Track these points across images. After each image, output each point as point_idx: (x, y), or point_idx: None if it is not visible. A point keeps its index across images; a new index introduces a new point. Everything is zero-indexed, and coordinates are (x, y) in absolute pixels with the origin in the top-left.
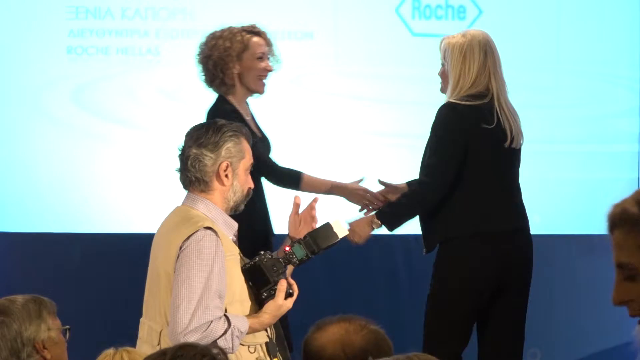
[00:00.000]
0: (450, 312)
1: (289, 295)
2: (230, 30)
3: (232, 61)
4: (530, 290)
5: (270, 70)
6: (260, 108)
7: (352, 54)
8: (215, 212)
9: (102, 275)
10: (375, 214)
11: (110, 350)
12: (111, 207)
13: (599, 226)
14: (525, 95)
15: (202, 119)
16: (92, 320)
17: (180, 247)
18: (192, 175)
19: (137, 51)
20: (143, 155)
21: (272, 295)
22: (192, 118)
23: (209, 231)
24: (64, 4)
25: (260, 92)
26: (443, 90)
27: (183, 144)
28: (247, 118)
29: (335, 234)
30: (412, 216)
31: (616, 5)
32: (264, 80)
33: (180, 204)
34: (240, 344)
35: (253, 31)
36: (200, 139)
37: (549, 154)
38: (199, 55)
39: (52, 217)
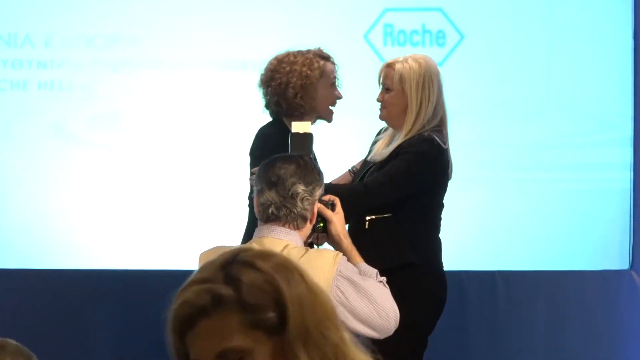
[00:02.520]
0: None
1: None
2: (303, 55)
3: (313, 89)
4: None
5: (340, 98)
6: None
7: None
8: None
9: (68, 314)
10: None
11: None
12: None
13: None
14: (510, 126)
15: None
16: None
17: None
18: (299, 212)
19: (67, 85)
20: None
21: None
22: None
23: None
24: None
25: (329, 120)
26: (386, 117)
27: (279, 175)
28: None
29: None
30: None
31: (607, 32)
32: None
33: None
34: None
35: (324, 56)
36: (306, 176)
37: (533, 186)
38: (269, 81)
39: None
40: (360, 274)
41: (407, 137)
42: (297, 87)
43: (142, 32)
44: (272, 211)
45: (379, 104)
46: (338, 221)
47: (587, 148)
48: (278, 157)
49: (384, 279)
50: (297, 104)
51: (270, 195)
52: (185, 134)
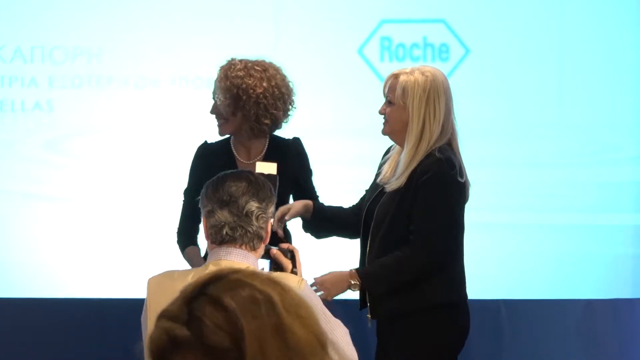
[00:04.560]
0: None
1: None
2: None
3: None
4: None
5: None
6: None
7: (308, 106)
8: None
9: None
10: (357, 272)
11: None
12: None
13: None
14: (519, 147)
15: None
16: None
17: None
18: (255, 231)
19: (19, 106)
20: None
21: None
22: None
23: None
24: None
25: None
26: (388, 133)
27: (231, 193)
28: None
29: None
30: (398, 282)
31: (620, 44)
32: None
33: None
34: None
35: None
36: (259, 192)
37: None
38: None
39: None
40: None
41: (415, 159)
42: (283, 96)
43: (104, 46)
44: (226, 232)
45: (382, 117)
46: (298, 271)
47: (596, 171)
48: (226, 175)
49: (338, 321)
50: (280, 117)
51: (223, 216)
52: (153, 155)
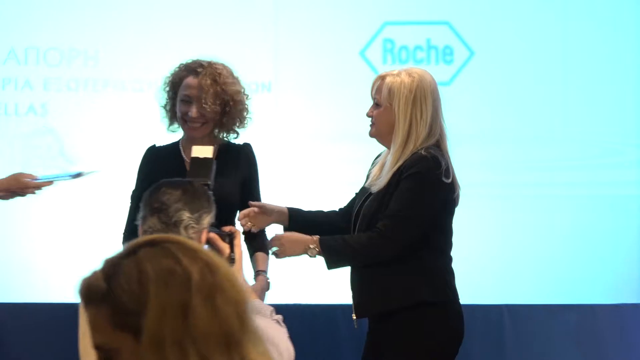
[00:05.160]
0: None
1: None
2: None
3: None
4: None
5: (185, 114)
6: None
7: (309, 109)
8: None
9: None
10: (319, 240)
11: None
12: None
13: None
14: (522, 151)
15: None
16: None
17: None
18: None
19: (12, 109)
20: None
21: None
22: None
23: None
24: None
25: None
26: (375, 135)
27: (163, 201)
28: None
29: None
30: (354, 262)
31: (623, 46)
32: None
33: None
34: None
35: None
36: (193, 202)
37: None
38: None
39: None
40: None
41: (401, 159)
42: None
43: (101, 48)
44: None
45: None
46: (237, 254)
47: (601, 176)
48: (165, 182)
49: (279, 317)
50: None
51: (153, 222)
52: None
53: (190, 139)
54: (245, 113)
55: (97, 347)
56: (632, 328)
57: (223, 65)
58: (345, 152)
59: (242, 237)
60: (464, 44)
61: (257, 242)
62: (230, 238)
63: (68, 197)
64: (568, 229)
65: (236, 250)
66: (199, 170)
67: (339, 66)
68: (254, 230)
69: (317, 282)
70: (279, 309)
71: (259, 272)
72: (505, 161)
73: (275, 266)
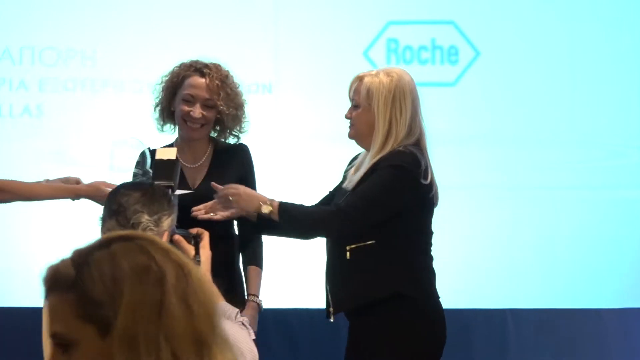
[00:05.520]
0: None
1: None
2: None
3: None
4: None
5: (188, 114)
6: None
7: (312, 109)
8: None
9: None
10: (280, 202)
11: None
12: None
13: None
14: (527, 154)
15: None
16: None
17: None
18: None
19: (6, 111)
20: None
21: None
22: None
23: None
24: None
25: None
26: (354, 136)
27: (121, 202)
28: None
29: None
30: (304, 232)
31: (634, 46)
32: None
33: None
34: None
35: (193, 66)
36: (152, 205)
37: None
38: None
39: None
40: None
41: (379, 156)
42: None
43: (99, 47)
44: None
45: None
46: (203, 256)
47: (607, 178)
48: (125, 184)
49: (244, 319)
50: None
51: (111, 225)
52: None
53: (186, 140)
54: (244, 118)
55: (54, 336)
56: (637, 332)
57: (226, 69)
58: (346, 153)
59: (238, 245)
60: (469, 44)
61: (250, 253)
62: (195, 240)
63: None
64: (573, 231)
65: (203, 252)
66: (162, 172)
67: (342, 66)
68: (215, 218)
69: (316, 286)
70: (278, 313)
71: (251, 297)
72: (509, 163)
73: (274, 270)
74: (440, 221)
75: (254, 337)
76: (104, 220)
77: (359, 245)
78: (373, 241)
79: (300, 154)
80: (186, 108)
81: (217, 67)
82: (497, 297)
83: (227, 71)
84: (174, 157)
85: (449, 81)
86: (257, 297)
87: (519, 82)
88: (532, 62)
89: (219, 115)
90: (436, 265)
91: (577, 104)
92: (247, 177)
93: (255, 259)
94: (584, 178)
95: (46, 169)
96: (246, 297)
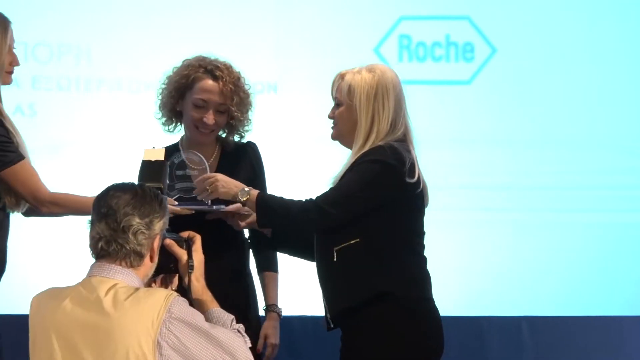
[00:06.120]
0: None
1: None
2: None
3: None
4: None
5: (200, 121)
6: None
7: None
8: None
9: None
10: (259, 193)
11: None
12: None
13: None
14: (544, 155)
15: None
16: None
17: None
18: (132, 248)
19: None
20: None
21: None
22: None
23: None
24: None
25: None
26: (337, 136)
27: (110, 205)
28: None
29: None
30: (282, 224)
31: None
32: None
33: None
34: None
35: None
36: (143, 207)
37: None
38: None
39: None
40: (208, 321)
41: (360, 153)
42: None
43: (94, 44)
44: (101, 246)
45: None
46: (196, 260)
47: (627, 181)
48: (113, 185)
49: (240, 326)
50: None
51: (100, 228)
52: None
53: (193, 142)
54: (251, 117)
55: None
56: None
57: (237, 71)
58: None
59: (250, 250)
60: (485, 40)
61: (263, 256)
62: (188, 244)
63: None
64: (590, 236)
65: (195, 256)
66: (150, 174)
67: (352, 63)
68: (207, 198)
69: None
70: (287, 320)
71: (270, 308)
72: (527, 163)
73: (284, 278)
74: (455, 225)
75: (249, 344)
76: (92, 223)
77: (343, 245)
78: (357, 239)
79: (305, 154)
80: (198, 114)
81: (228, 69)
82: (512, 304)
83: (238, 72)
84: (161, 158)
85: (464, 79)
86: (277, 306)
87: (537, 79)
88: (550, 58)
89: (230, 120)
90: (449, 271)
91: (595, 104)
92: (256, 176)
93: (269, 262)
94: (604, 179)
95: (39, 170)
96: (265, 308)
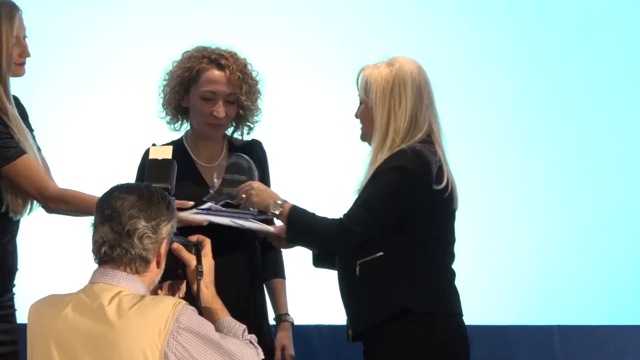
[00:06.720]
0: None
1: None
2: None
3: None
4: None
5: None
6: None
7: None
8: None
9: None
10: (293, 206)
11: None
12: None
13: None
14: (578, 156)
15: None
16: None
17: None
18: (138, 253)
19: None
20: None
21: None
22: None
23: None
24: None
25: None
26: (364, 137)
27: (115, 207)
28: None
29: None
30: (310, 246)
31: None
32: None
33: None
34: None
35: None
36: (149, 209)
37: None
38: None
39: None
40: (218, 331)
41: (381, 157)
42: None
43: (89, 36)
44: (105, 251)
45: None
46: (205, 266)
47: None
48: (118, 186)
49: (252, 337)
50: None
51: (104, 232)
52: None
53: (202, 139)
54: (260, 105)
55: None
56: None
57: (243, 57)
58: (360, 152)
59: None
60: None
61: (270, 262)
62: (196, 248)
63: None
64: (624, 242)
65: (205, 261)
66: (157, 174)
67: (359, 61)
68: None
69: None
70: (298, 329)
71: (283, 317)
72: (561, 167)
73: (294, 282)
74: (484, 233)
75: (262, 356)
76: (95, 226)
77: (366, 259)
78: (381, 253)
79: (309, 154)
80: (208, 108)
81: (233, 57)
82: (542, 313)
83: (244, 59)
84: (169, 157)
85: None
86: (289, 315)
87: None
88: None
89: (240, 110)
90: (479, 279)
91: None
92: (263, 175)
93: (276, 269)
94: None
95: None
96: (276, 317)
